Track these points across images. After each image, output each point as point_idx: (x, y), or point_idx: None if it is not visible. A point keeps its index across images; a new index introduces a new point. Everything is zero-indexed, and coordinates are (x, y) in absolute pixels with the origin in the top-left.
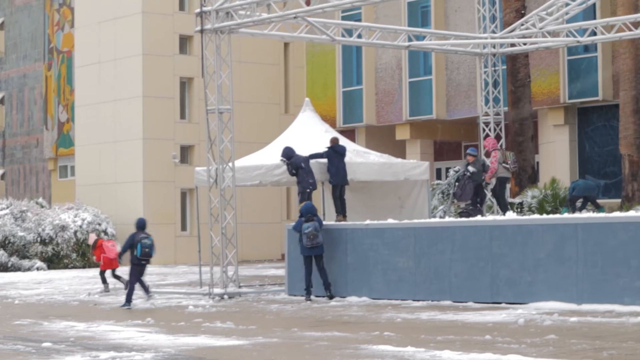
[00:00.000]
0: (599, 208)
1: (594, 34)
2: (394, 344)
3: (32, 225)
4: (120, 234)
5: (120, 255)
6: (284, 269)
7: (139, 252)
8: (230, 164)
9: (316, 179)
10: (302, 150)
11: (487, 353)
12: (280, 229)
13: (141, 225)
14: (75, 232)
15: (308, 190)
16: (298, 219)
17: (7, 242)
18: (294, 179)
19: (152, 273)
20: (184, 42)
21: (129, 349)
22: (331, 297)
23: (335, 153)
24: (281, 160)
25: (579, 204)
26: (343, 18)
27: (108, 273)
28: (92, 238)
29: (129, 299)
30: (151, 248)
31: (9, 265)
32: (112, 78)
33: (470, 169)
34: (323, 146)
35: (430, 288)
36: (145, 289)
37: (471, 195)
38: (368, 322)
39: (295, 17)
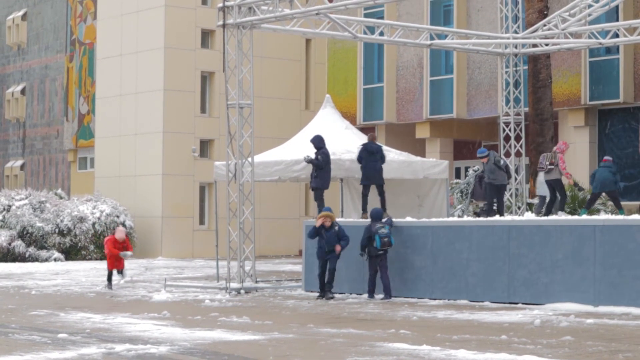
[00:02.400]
0: (619, 209)
1: (617, 35)
2: (409, 342)
3: (50, 216)
4: (138, 226)
5: (361, 252)
6: (301, 264)
7: (378, 243)
8: (249, 159)
9: (333, 176)
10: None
11: (503, 353)
12: (299, 225)
13: (377, 215)
14: (93, 224)
15: (324, 189)
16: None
17: (25, 232)
18: (313, 174)
19: (169, 266)
20: (206, 37)
21: (145, 342)
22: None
23: (366, 152)
24: (311, 158)
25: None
26: (365, 15)
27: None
28: (120, 231)
29: (390, 291)
30: (389, 236)
31: (27, 255)
32: (133, 71)
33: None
34: (341, 143)
35: (447, 287)
36: (373, 288)
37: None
38: (384, 319)
39: (317, 14)
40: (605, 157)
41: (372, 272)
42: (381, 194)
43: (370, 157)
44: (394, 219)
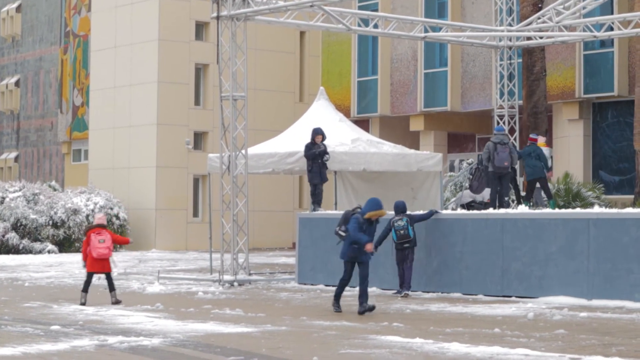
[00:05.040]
0: (549, 199)
1: (611, 29)
2: (402, 335)
3: (44, 208)
4: (132, 218)
5: (376, 246)
6: (294, 257)
7: (394, 236)
8: (243, 151)
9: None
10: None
11: (496, 346)
12: (292, 217)
13: (400, 208)
14: (87, 216)
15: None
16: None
17: (19, 224)
18: (305, 167)
19: (162, 259)
20: (200, 29)
21: (137, 334)
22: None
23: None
24: (317, 148)
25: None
26: (359, 8)
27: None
28: (100, 217)
29: (407, 285)
30: (406, 229)
31: (21, 247)
32: (127, 63)
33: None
34: (335, 135)
35: (440, 280)
36: (403, 282)
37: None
38: (377, 312)
39: (311, 6)
40: (532, 136)
41: (399, 265)
42: (514, 187)
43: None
44: (388, 212)
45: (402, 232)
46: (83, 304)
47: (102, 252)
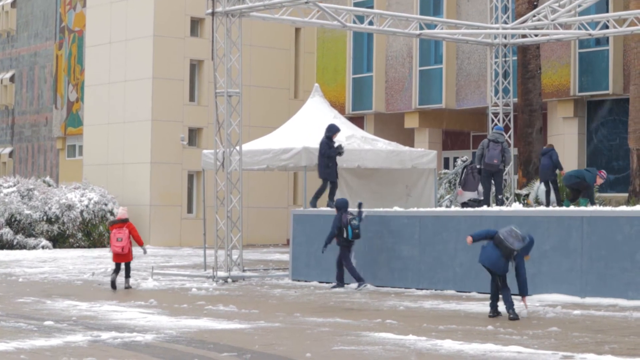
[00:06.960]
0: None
1: (606, 27)
2: (395, 332)
3: (38, 203)
4: None
5: (326, 243)
6: (288, 254)
7: (350, 234)
8: (237, 148)
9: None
10: (309, 136)
11: (489, 343)
12: (287, 214)
13: (344, 205)
14: (81, 212)
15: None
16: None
17: (13, 220)
18: (301, 164)
19: (157, 255)
20: (195, 25)
21: (131, 330)
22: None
23: (540, 153)
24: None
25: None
26: (355, 5)
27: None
28: (121, 212)
29: (340, 280)
30: (359, 228)
31: (15, 243)
32: (122, 59)
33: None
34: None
35: (434, 277)
36: (358, 276)
37: (477, 185)
38: (370, 309)
39: (306, 2)
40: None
41: (346, 261)
42: (554, 189)
43: (543, 157)
44: (381, 209)
45: (357, 231)
46: (113, 281)
47: (117, 251)
